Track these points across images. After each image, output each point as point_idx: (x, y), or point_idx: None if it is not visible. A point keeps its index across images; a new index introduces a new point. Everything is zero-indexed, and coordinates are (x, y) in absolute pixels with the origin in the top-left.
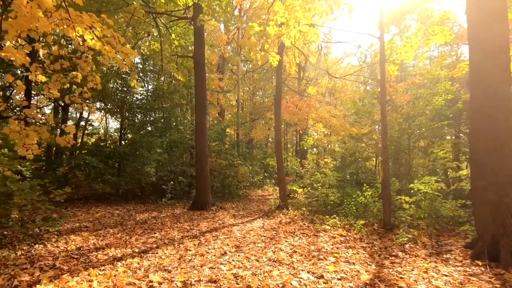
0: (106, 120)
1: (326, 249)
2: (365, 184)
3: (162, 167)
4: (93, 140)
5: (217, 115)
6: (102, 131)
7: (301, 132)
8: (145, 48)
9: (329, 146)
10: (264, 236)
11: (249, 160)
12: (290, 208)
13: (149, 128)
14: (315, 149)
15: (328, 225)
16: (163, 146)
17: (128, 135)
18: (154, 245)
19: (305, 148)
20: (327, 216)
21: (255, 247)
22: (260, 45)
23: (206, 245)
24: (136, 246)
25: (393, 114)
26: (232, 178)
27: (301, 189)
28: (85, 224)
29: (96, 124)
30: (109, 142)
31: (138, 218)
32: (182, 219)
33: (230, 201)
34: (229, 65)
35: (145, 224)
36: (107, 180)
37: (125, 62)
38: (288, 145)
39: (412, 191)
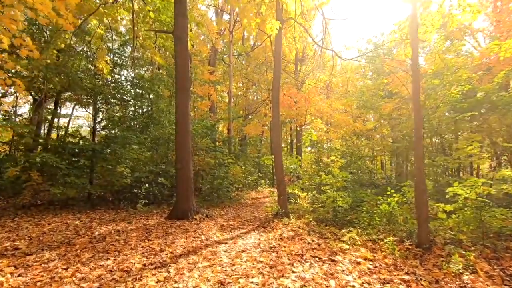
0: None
1: (353, 285)
2: (389, 188)
3: (142, 167)
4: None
5: (207, 110)
6: (88, 129)
7: (298, 129)
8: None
9: (329, 144)
10: (262, 262)
11: (242, 159)
12: (291, 216)
13: (132, 123)
14: (309, 148)
15: (345, 242)
16: (145, 143)
17: (104, 131)
18: (95, 285)
19: (307, 144)
20: (342, 230)
21: (248, 285)
22: (256, 8)
23: (175, 282)
24: None
25: (403, 107)
26: (222, 179)
27: (305, 193)
28: (17, 244)
29: (80, 121)
30: (77, 138)
31: (97, 233)
32: (155, 233)
33: (219, 206)
34: (222, 57)
35: (101, 243)
36: (70, 183)
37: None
38: (282, 145)
39: (447, 196)
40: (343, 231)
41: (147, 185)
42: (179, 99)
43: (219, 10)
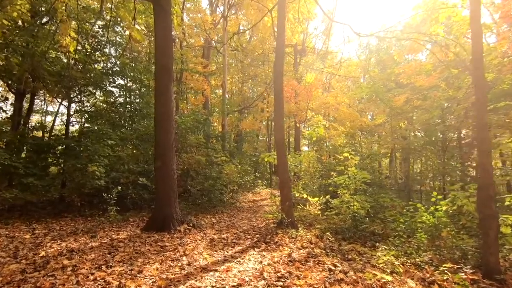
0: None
1: None
2: (434, 193)
3: (121, 166)
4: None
5: (201, 105)
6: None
7: (298, 125)
8: None
9: (328, 142)
10: None
11: (237, 157)
12: (299, 226)
13: (115, 116)
14: (306, 148)
15: (382, 268)
16: (132, 139)
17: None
18: None
19: (314, 139)
20: (366, 245)
21: None
22: None
23: None
24: None
25: (420, 98)
26: (214, 180)
27: (316, 198)
28: None
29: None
30: (40, 132)
31: (43, 253)
32: (120, 254)
33: (210, 212)
34: (216, 46)
35: (39, 271)
36: (29, 185)
37: None
38: None
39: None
40: (378, 253)
41: (119, 187)
42: (159, 80)
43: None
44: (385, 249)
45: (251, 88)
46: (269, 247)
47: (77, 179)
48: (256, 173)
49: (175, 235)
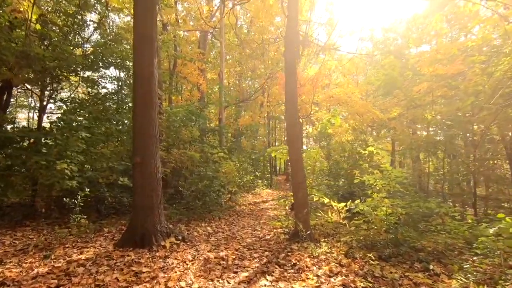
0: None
1: None
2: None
3: (100, 163)
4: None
5: (196, 101)
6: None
7: (301, 121)
8: None
9: (333, 139)
10: None
11: (236, 155)
12: (321, 240)
13: (98, 108)
14: (305, 147)
15: None
16: (119, 136)
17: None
18: None
19: (329, 131)
20: (415, 268)
21: None
22: None
23: None
24: None
25: (446, 86)
26: (210, 180)
27: (342, 204)
28: None
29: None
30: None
31: None
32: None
33: (205, 218)
34: (212, 32)
35: None
36: None
37: None
38: (277, 143)
39: None
40: (419, 271)
41: (88, 190)
42: (139, 52)
43: None
44: (461, 279)
45: (249, 85)
46: (286, 274)
47: (42, 179)
48: (256, 172)
49: (157, 254)
